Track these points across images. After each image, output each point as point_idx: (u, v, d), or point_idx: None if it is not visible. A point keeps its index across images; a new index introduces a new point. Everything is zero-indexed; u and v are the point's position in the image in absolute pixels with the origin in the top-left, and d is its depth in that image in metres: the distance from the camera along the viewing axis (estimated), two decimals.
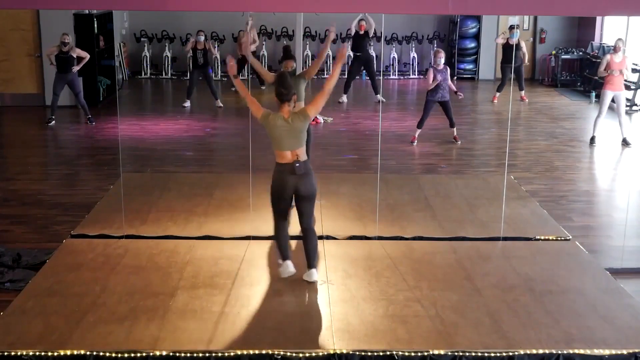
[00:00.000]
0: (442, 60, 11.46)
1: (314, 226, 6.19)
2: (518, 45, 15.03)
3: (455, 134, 11.83)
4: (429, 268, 6.49)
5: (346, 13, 15.93)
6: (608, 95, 11.68)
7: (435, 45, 18.58)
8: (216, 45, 17.99)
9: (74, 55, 12.94)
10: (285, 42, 18.18)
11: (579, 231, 7.72)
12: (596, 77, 16.13)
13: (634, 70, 15.05)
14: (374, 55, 16.88)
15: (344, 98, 15.33)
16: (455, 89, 11.69)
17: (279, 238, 6.15)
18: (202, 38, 14.59)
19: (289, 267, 6.08)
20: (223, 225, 7.44)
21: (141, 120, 13.35)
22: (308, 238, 6.10)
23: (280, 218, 6.13)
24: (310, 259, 6.12)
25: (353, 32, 15.49)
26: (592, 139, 11.82)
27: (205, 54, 14.50)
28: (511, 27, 15.24)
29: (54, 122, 13.00)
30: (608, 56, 11.78)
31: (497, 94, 15.54)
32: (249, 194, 7.53)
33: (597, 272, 6.52)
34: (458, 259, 6.71)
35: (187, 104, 14.73)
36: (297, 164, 5.89)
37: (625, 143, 11.66)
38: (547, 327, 5.40)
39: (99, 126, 12.91)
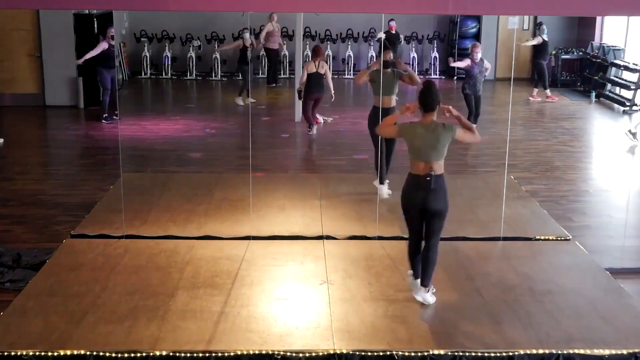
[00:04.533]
0: (479, 55, 11.63)
1: (436, 244, 5.76)
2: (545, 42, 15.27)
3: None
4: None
5: (346, 13, 15.98)
6: None
7: (436, 45, 18.59)
8: (216, 45, 18.02)
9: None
10: (285, 42, 18.17)
11: (579, 231, 7.72)
12: (596, 77, 16.17)
13: (634, 70, 15.09)
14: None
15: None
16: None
17: (409, 254, 5.87)
18: (248, 34, 14.81)
19: (417, 294, 5.80)
20: (223, 225, 7.44)
21: (141, 120, 13.35)
22: (425, 255, 5.74)
23: (412, 234, 5.83)
24: (422, 276, 5.79)
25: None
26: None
27: (249, 50, 14.83)
28: (540, 24, 15.48)
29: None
30: None
31: (535, 92, 15.67)
32: (249, 194, 7.54)
33: (597, 272, 6.52)
34: (458, 259, 6.71)
35: (242, 101, 14.76)
36: (428, 177, 5.58)
37: (632, 135, 11.76)
38: (547, 327, 5.40)
39: (99, 126, 12.91)
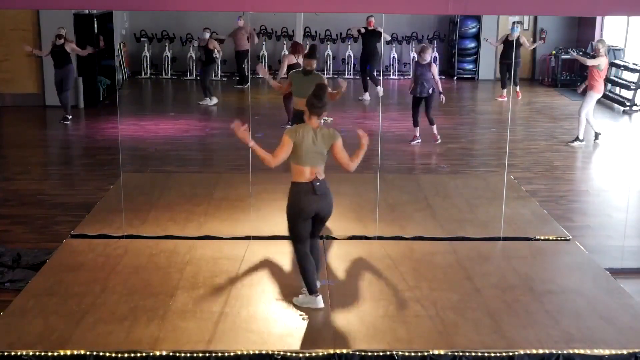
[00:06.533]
0: (427, 56, 11.40)
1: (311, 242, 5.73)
2: (518, 41, 15.15)
3: (434, 131, 11.75)
4: (429, 268, 6.49)
5: (346, 13, 15.97)
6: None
7: (436, 45, 18.60)
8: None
9: (68, 50, 12.97)
10: (285, 42, 18.17)
11: (579, 231, 7.72)
12: None
13: (634, 70, 15.10)
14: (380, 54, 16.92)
15: (367, 96, 15.33)
16: (440, 90, 11.50)
17: (306, 268, 5.61)
18: (208, 34, 14.86)
19: (319, 304, 5.61)
20: (223, 225, 7.44)
21: (141, 120, 13.35)
22: (314, 253, 5.72)
23: (302, 243, 5.64)
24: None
25: (356, 33, 15.54)
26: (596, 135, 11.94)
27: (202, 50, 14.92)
28: (514, 22, 15.42)
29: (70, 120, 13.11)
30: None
31: (504, 92, 15.63)
32: (249, 194, 7.54)
33: (597, 272, 6.52)
34: (458, 259, 6.71)
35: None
36: (317, 183, 5.53)
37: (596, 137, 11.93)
38: (547, 327, 5.40)
39: (99, 126, 12.91)
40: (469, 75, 18.73)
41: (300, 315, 5.57)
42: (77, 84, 14.23)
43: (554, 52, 17.87)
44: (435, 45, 18.67)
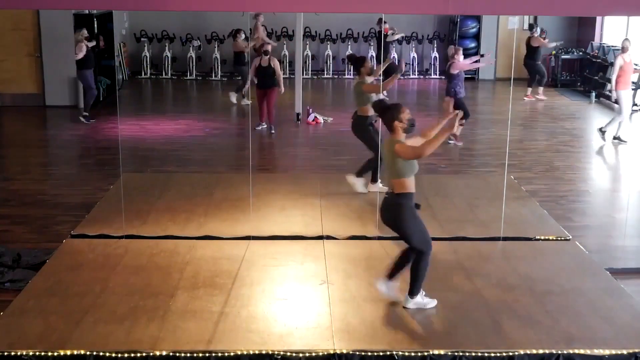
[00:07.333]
0: (461, 57, 11.60)
1: (418, 251, 5.64)
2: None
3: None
4: (429, 268, 6.48)
5: (346, 13, 15.99)
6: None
7: (436, 45, 18.60)
8: (216, 45, 18.03)
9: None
10: (285, 42, 18.17)
11: (579, 231, 7.72)
12: (596, 77, 16.15)
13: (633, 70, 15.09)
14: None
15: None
16: None
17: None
18: (243, 35, 14.95)
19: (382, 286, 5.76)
20: (223, 225, 7.44)
21: (141, 120, 13.36)
22: (413, 261, 5.69)
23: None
24: (409, 284, 5.72)
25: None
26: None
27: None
28: (532, 26, 15.70)
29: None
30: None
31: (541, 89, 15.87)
32: (249, 194, 7.54)
33: (597, 272, 6.52)
34: (458, 259, 6.71)
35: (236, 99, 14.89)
36: (386, 195, 5.53)
37: (619, 140, 11.85)
38: (547, 327, 5.40)
39: (99, 126, 12.91)
40: (469, 76, 18.67)
41: (300, 315, 5.57)
42: (77, 84, 14.23)
43: (554, 52, 17.86)
44: (435, 45, 18.67)
